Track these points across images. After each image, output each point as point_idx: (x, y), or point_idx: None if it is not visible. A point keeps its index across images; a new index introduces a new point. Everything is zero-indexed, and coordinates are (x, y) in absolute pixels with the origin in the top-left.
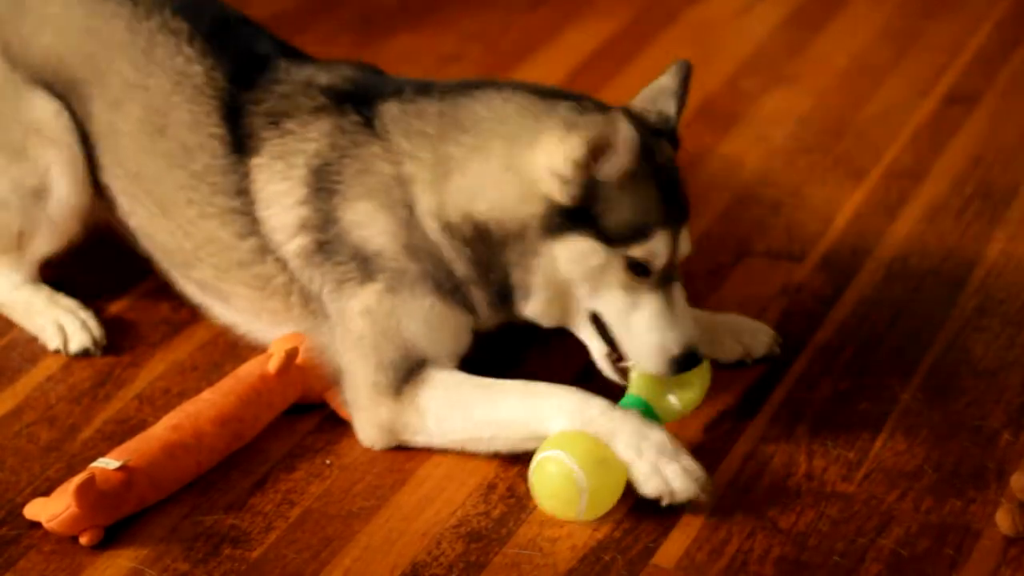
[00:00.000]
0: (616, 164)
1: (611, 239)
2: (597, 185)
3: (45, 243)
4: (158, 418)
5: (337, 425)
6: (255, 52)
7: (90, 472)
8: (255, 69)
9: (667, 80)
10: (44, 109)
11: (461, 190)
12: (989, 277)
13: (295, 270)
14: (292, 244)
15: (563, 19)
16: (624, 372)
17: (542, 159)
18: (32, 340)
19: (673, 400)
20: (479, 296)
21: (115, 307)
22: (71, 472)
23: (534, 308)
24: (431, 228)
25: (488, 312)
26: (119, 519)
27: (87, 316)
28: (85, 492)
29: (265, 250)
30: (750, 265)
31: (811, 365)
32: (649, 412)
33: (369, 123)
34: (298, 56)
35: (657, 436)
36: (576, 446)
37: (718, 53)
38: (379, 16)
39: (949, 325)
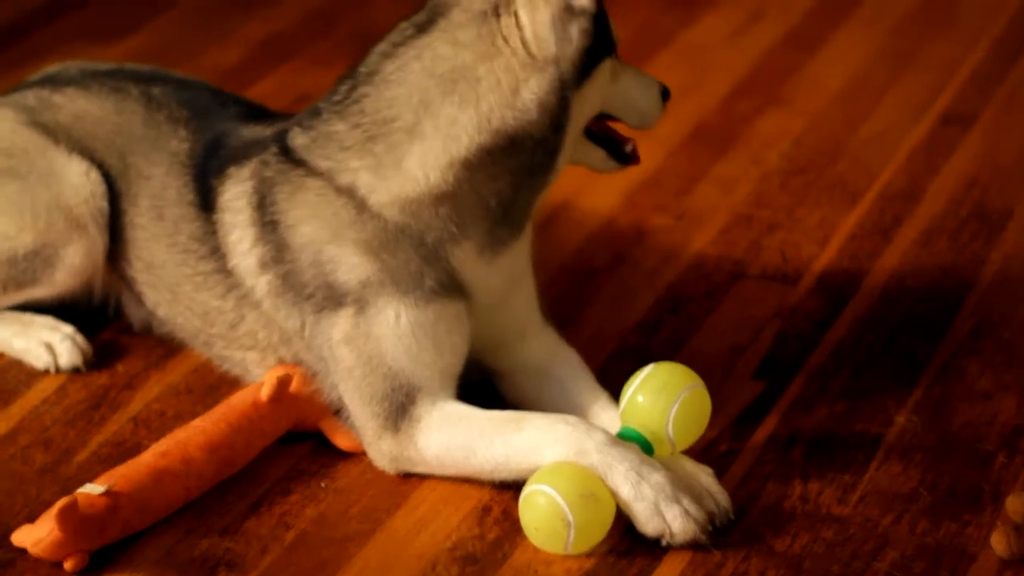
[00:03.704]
0: None
1: (613, 43)
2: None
3: (36, 296)
4: (153, 440)
5: (333, 447)
6: (232, 124)
7: (73, 497)
8: (224, 137)
9: None
10: (78, 189)
11: (427, 154)
12: (985, 299)
13: (270, 312)
14: (260, 285)
15: None
16: (632, 152)
17: (540, 22)
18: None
19: (670, 433)
20: (464, 250)
21: (110, 330)
22: (66, 495)
23: (560, 165)
24: (390, 215)
25: (478, 263)
26: (104, 545)
27: (71, 330)
28: (68, 516)
29: (244, 304)
30: (745, 287)
31: (806, 387)
32: (646, 445)
33: (286, 153)
34: (273, 117)
35: (657, 477)
36: (563, 480)
37: (712, 75)
38: (375, 38)
39: (944, 347)
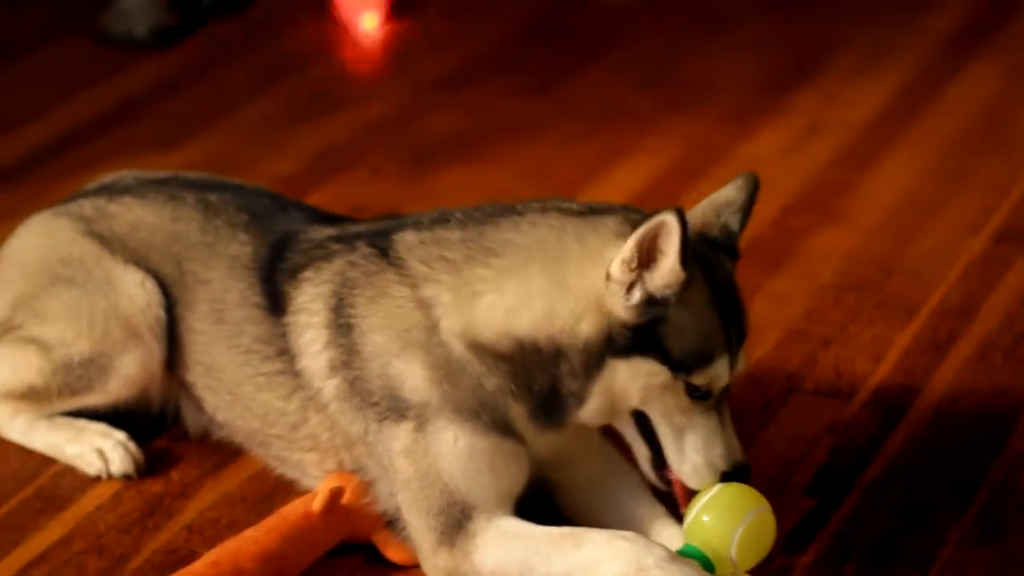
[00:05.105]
0: (666, 267)
1: (675, 364)
2: (658, 303)
3: (89, 403)
4: (207, 549)
5: (385, 560)
6: (299, 225)
7: None
8: (291, 239)
9: (732, 192)
10: (134, 299)
11: (495, 308)
12: None
13: (335, 415)
14: (328, 388)
15: (612, 156)
16: (668, 481)
17: (613, 273)
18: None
19: (733, 555)
20: (517, 411)
21: (164, 437)
22: None
23: (587, 413)
24: (456, 347)
25: (529, 427)
26: None
27: (123, 437)
28: None
29: (309, 405)
30: (799, 401)
31: (859, 503)
32: (707, 563)
33: (383, 253)
34: (338, 221)
35: None
36: None
37: (767, 190)
38: (432, 150)
39: (999, 464)
